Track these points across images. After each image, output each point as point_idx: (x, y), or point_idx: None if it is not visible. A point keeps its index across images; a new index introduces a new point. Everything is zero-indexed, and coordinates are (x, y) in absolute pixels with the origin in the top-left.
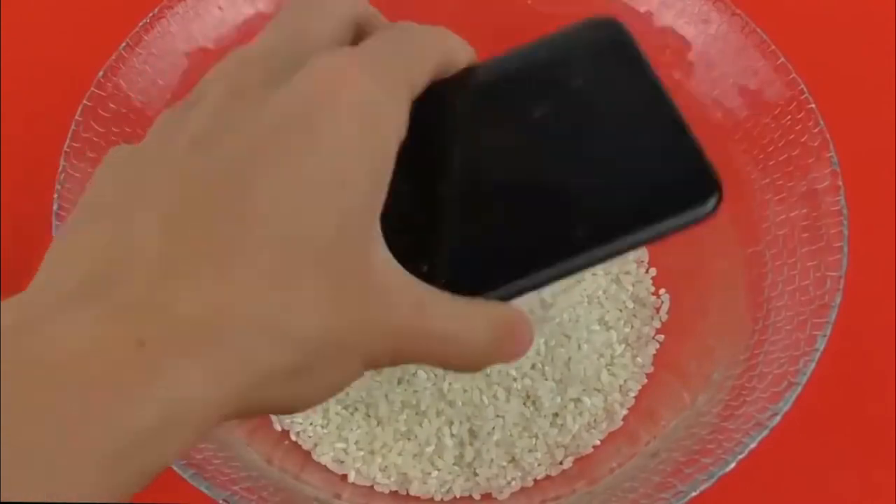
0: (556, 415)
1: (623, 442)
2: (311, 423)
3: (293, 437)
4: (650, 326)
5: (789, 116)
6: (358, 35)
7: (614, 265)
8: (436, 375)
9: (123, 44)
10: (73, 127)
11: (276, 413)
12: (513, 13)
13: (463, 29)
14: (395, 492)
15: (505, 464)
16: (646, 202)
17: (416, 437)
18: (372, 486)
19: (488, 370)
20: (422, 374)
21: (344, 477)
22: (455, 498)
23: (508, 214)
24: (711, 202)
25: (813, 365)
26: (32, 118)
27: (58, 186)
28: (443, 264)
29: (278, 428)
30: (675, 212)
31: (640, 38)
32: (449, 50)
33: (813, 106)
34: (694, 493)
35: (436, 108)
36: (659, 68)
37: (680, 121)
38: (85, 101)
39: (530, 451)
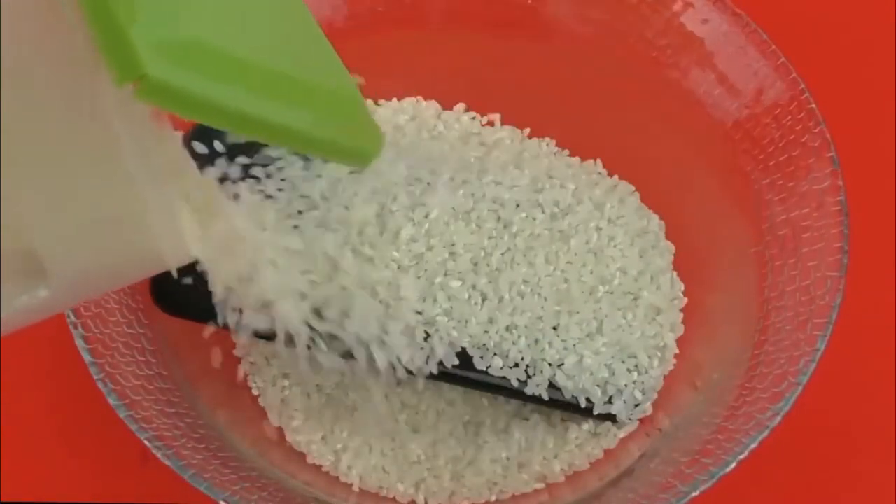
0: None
1: (624, 442)
2: (310, 425)
3: (293, 438)
4: None
5: (789, 116)
6: None
7: None
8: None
9: None
10: None
11: None
12: (513, 12)
13: (463, 28)
14: (396, 492)
15: (506, 464)
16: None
17: (416, 437)
18: (371, 487)
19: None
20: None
21: (343, 477)
22: (456, 499)
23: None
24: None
25: (813, 365)
26: None
27: None
28: None
29: (276, 425)
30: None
31: (640, 39)
32: None
33: (813, 106)
34: (694, 494)
35: None
36: (659, 68)
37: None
38: None
39: (531, 451)
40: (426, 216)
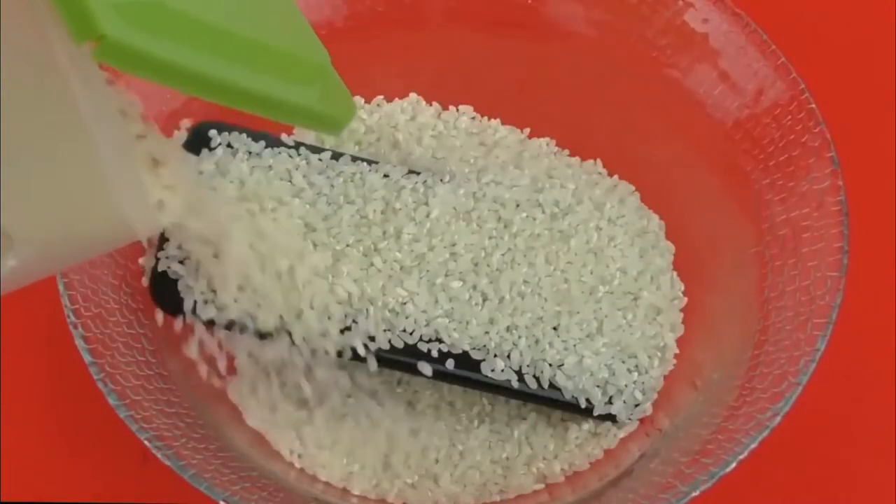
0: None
1: (624, 442)
2: (308, 426)
3: (292, 442)
4: None
5: (789, 116)
6: None
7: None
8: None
9: None
10: None
11: None
12: (513, 13)
13: (463, 28)
14: (395, 493)
15: (506, 464)
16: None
17: (415, 437)
18: (372, 488)
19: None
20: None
21: (344, 479)
22: (456, 499)
23: None
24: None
25: (813, 365)
26: None
27: None
28: None
29: (259, 431)
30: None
31: (640, 39)
32: None
33: (813, 106)
34: (694, 494)
35: None
36: (659, 68)
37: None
38: None
39: (531, 451)
40: (427, 216)
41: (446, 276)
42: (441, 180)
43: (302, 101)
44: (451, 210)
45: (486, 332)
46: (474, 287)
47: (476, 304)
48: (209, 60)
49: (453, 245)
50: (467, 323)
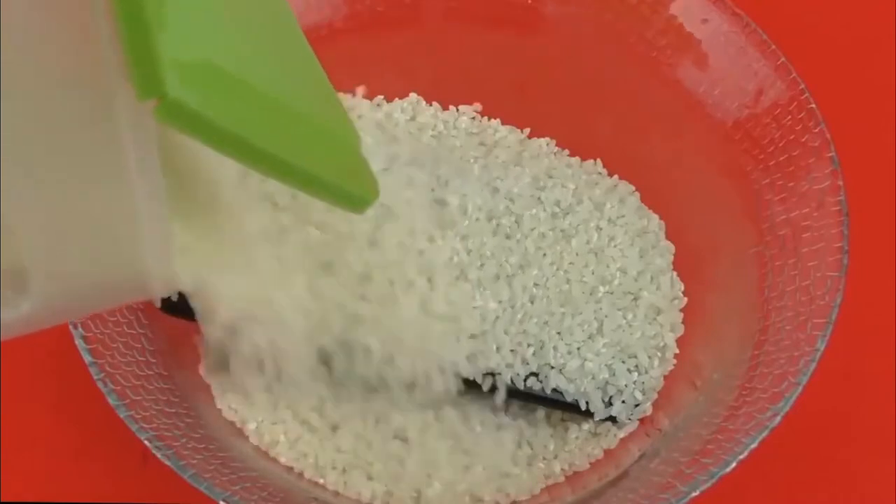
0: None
1: (624, 442)
2: (308, 426)
3: (289, 444)
4: None
5: (789, 116)
6: None
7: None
8: None
9: None
10: None
11: None
12: (513, 12)
13: (463, 28)
14: (396, 495)
15: (506, 465)
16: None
17: (414, 440)
18: (372, 488)
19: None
20: None
21: (342, 480)
22: (456, 500)
23: None
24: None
25: (813, 365)
26: None
27: None
28: None
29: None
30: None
31: (640, 39)
32: None
33: (813, 106)
34: (694, 494)
35: None
36: (659, 68)
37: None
38: None
39: (531, 451)
40: (465, 213)
41: (481, 288)
42: (467, 177)
43: (336, 179)
44: (478, 208)
45: (498, 350)
46: (495, 295)
47: (497, 318)
48: (257, 129)
49: (481, 246)
50: (498, 348)
